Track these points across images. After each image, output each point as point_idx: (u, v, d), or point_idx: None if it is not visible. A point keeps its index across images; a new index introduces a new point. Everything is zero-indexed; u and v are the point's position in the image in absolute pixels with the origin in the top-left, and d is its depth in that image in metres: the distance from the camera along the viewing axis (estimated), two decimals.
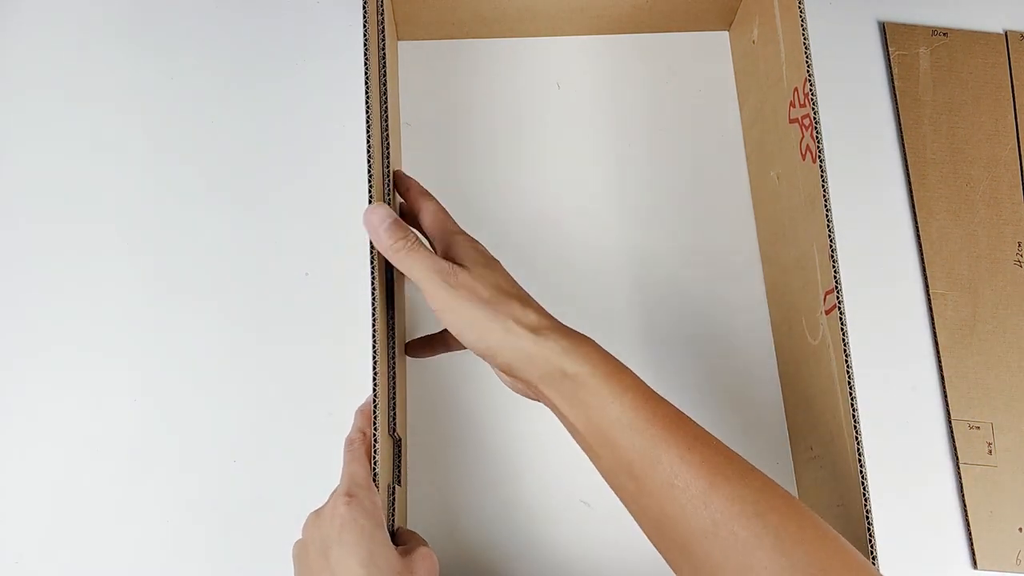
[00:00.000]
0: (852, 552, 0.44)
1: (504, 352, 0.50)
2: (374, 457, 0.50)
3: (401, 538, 0.52)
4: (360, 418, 0.55)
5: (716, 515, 0.44)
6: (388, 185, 0.56)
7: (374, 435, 0.50)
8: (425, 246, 0.52)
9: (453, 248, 0.54)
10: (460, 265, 0.52)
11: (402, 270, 0.52)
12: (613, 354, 0.50)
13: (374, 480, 0.50)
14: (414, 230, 0.54)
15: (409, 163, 0.71)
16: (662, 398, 0.49)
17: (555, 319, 0.52)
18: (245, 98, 0.73)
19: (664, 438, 0.47)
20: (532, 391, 0.51)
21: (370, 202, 0.53)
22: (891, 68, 0.76)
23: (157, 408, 0.66)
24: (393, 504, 0.53)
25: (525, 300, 0.52)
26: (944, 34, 0.77)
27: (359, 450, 0.52)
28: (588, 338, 0.51)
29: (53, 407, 0.66)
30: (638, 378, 0.50)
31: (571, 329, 0.51)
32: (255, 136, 0.72)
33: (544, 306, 0.68)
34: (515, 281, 0.54)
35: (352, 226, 0.69)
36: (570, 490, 0.65)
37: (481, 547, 0.63)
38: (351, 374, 0.65)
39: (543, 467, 0.65)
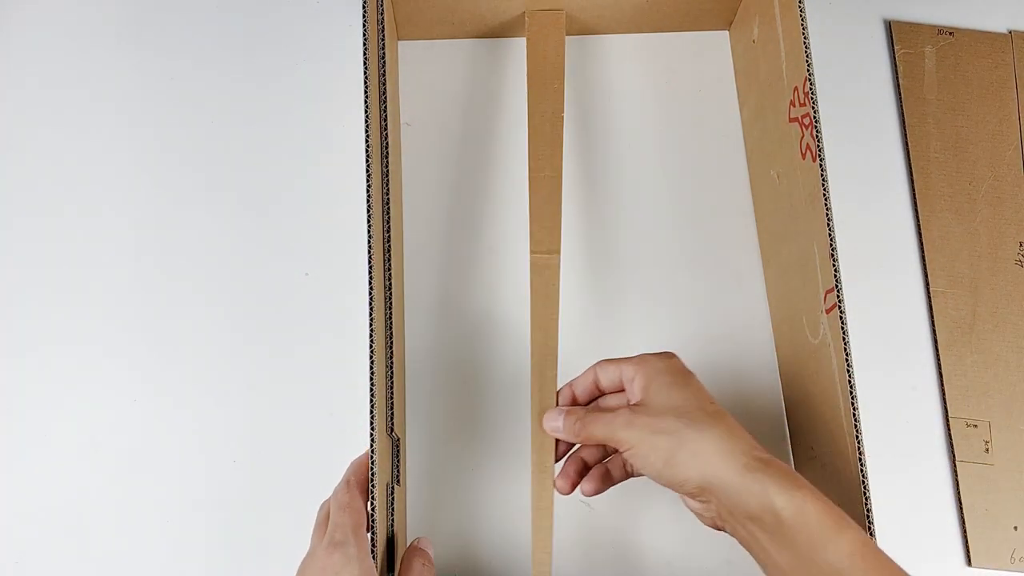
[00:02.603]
0: None
1: (696, 481, 0.47)
2: (372, 456, 0.50)
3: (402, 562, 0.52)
4: (350, 468, 0.54)
5: None
6: (386, 185, 0.56)
7: (371, 434, 0.50)
8: (597, 412, 0.53)
9: (633, 372, 0.52)
10: (636, 401, 0.51)
11: (591, 441, 0.53)
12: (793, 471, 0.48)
13: (371, 481, 0.50)
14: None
15: (409, 163, 0.71)
16: (882, 551, 0.47)
17: (758, 445, 0.48)
18: (245, 98, 0.73)
19: None
20: (726, 524, 0.49)
21: (368, 202, 0.53)
22: (896, 66, 0.76)
23: (157, 408, 0.66)
24: (392, 504, 0.53)
25: (728, 424, 0.49)
26: (950, 33, 0.77)
27: (343, 499, 0.51)
28: (799, 476, 0.47)
29: (53, 407, 0.66)
30: (856, 525, 0.47)
31: (780, 463, 0.47)
32: (255, 136, 0.72)
33: None
34: (708, 395, 0.51)
35: (352, 226, 0.69)
36: None
37: (481, 547, 0.63)
38: (351, 374, 0.66)
39: None
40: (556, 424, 0.54)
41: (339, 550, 0.47)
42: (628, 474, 0.55)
